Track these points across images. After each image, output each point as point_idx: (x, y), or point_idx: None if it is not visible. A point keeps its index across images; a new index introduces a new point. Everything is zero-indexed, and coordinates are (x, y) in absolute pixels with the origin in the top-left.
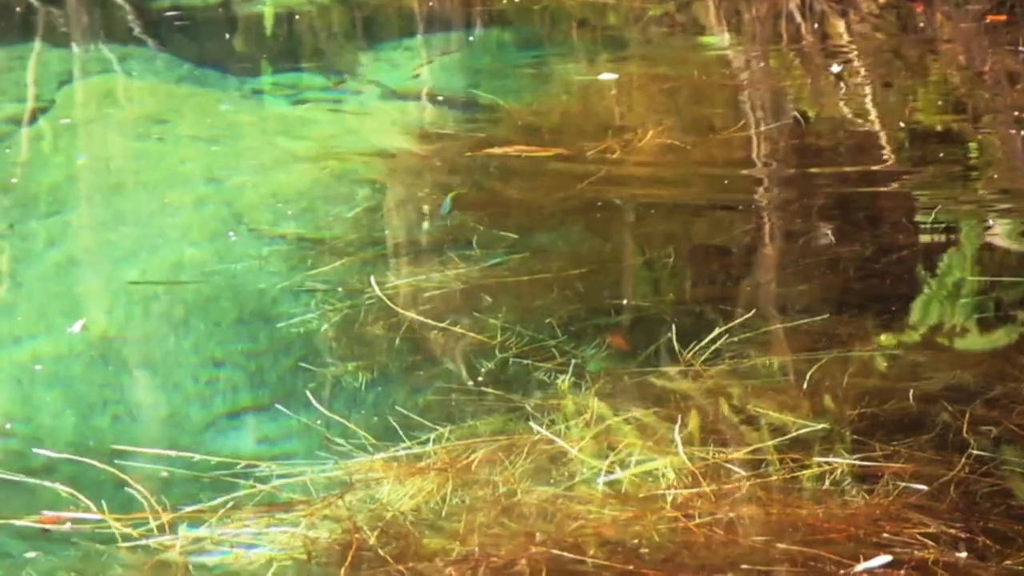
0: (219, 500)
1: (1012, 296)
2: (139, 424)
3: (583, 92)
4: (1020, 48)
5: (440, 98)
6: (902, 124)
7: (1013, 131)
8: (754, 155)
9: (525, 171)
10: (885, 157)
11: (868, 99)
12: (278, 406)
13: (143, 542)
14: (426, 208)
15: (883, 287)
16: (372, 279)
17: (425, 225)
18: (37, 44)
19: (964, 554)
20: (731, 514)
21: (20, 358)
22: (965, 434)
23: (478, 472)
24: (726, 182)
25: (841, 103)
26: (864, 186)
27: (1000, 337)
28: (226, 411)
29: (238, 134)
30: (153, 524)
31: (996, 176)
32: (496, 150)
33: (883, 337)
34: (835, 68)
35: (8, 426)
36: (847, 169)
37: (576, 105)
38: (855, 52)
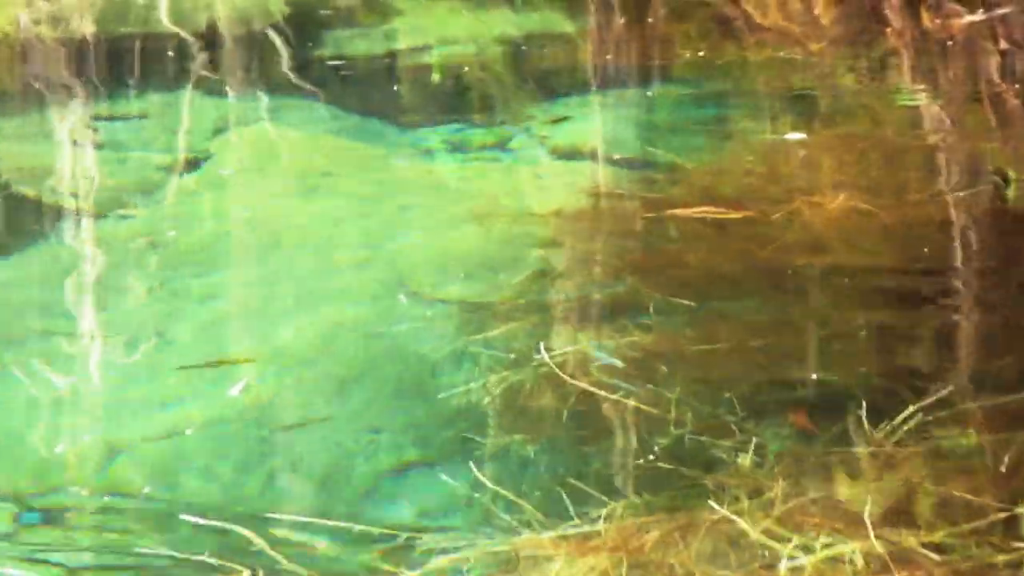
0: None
1: None
2: (294, 495)
3: (768, 152)
4: None
5: (615, 156)
6: None
7: None
8: (951, 219)
9: (705, 235)
10: None
11: None
12: (442, 475)
13: None
14: (598, 268)
15: None
16: (541, 345)
17: (597, 290)
18: (189, 90)
19: None
20: None
21: (169, 422)
22: None
23: (652, 553)
24: (925, 249)
25: None
26: None
27: None
28: (383, 481)
29: (402, 190)
30: None
31: None
32: (678, 211)
33: None
34: None
35: (147, 489)
36: None
37: (760, 166)
38: None
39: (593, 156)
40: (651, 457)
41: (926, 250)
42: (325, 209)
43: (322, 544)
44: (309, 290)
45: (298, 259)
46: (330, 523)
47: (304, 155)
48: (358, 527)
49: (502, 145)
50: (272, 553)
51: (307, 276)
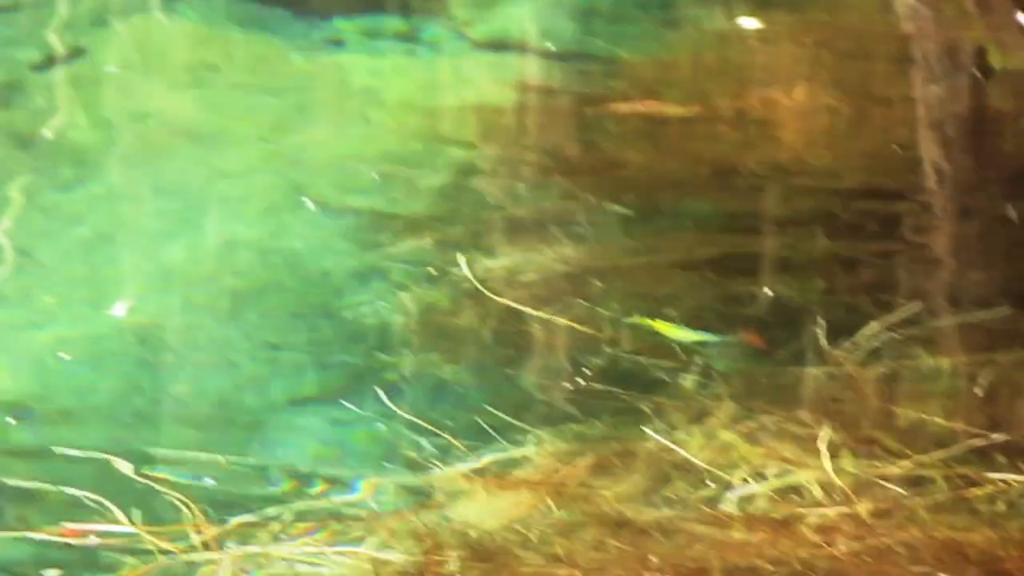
0: (274, 512)
1: None
2: (183, 422)
3: (718, 41)
4: None
5: (547, 47)
6: None
7: None
8: (925, 116)
9: (647, 133)
10: None
11: None
12: (344, 403)
13: (185, 558)
14: (526, 170)
15: None
16: (461, 259)
17: (525, 196)
18: None
19: None
20: (886, 540)
21: (42, 346)
22: None
23: (582, 486)
24: (895, 147)
25: None
26: None
27: None
28: (283, 409)
29: (304, 86)
30: (196, 539)
31: None
32: (622, 106)
33: None
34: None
35: (12, 421)
36: None
37: (710, 56)
38: None
39: (522, 47)
40: (580, 381)
41: (895, 147)
42: (218, 109)
43: (210, 481)
44: (199, 200)
45: (187, 166)
46: (220, 458)
47: (195, 49)
48: (251, 461)
49: (417, 35)
50: (161, 489)
51: (196, 184)
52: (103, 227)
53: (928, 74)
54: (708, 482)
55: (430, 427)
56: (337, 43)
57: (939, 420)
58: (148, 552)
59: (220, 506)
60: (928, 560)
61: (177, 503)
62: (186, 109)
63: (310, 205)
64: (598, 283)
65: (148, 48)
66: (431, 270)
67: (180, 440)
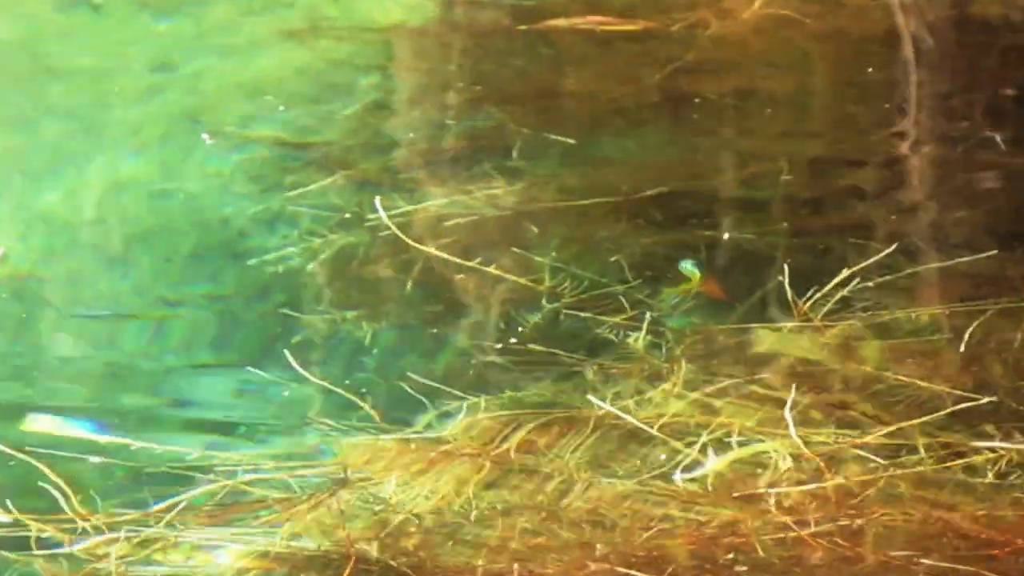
0: (171, 498)
1: None
2: (66, 392)
3: None
4: None
5: None
6: None
7: None
8: (899, 29)
9: (587, 53)
10: None
11: None
12: (249, 368)
13: (68, 549)
14: (451, 98)
15: None
16: (377, 201)
17: (450, 128)
18: None
19: None
20: (860, 520)
21: None
22: None
23: (519, 460)
24: (869, 70)
25: None
26: None
27: None
28: (180, 374)
29: (198, 4)
30: (84, 526)
31: None
32: (560, 21)
33: None
34: None
35: None
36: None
37: None
38: None
39: None
40: (513, 341)
41: (869, 69)
42: (101, 28)
43: (96, 459)
44: (82, 133)
45: (67, 93)
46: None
47: None
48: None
49: None
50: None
51: (79, 115)
52: None
53: None
54: (662, 455)
55: (347, 394)
56: None
57: (919, 382)
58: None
59: (109, 491)
60: (908, 543)
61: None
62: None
63: (208, 139)
64: (534, 228)
65: None
66: (345, 214)
67: (64, 408)
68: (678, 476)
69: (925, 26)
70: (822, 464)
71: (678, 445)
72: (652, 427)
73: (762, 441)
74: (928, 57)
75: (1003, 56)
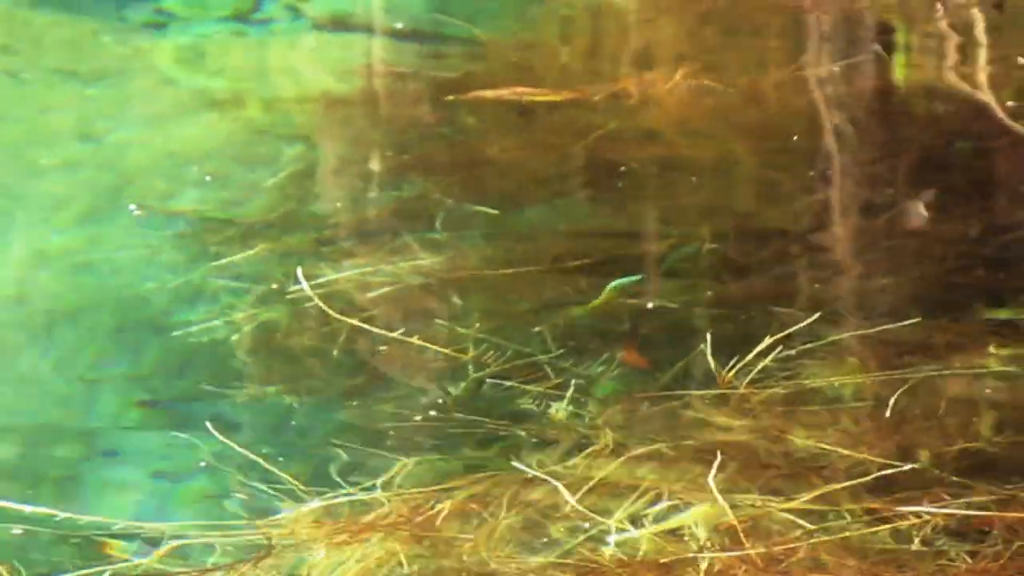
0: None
1: None
2: None
3: (588, 17)
4: None
5: (396, 26)
6: (1022, 60)
7: None
8: (820, 102)
9: (510, 123)
10: (998, 105)
11: (977, 26)
12: (176, 434)
13: None
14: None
15: (994, 279)
16: (299, 272)
17: (374, 198)
18: None
19: None
20: None
21: None
22: None
23: (444, 530)
24: (794, 137)
25: (941, 27)
26: (971, 143)
27: None
28: (105, 446)
29: (121, 74)
30: None
31: None
32: (487, 93)
33: (993, 347)
34: None
35: None
36: (946, 121)
37: (579, 35)
38: None
39: (367, 26)
40: (432, 413)
41: (795, 137)
42: (22, 101)
43: (17, 530)
44: (3, 205)
45: None
46: (26, 508)
47: None
48: (63, 513)
49: (247, 14)
50: None
51: (0, 187)
52: None
53: (825, 52)
54: (585, 525)
55: (270, 466)
56: (157, 26)
57: (840, 450)
58: None
59: (29, 562)
60: None
61: None
62: None
63: (136, 211)
64: (457, 298)
65: None
66: (269, 285)
67: None
68: (611, 540)
69: (849, 96)
70: (740, 531)
71: (598, 519)
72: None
73: (688, 506)
74: (852, 126)
75: (926, 124)
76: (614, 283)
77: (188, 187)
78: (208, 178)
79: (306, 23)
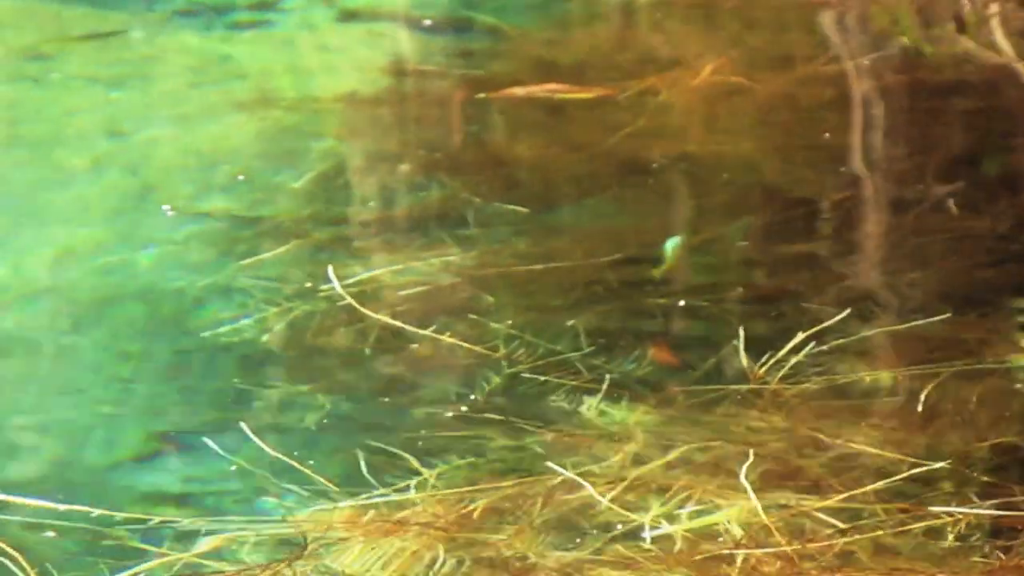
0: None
1: None
2: (17, 464)
3: (614, 13)
4: None
5: (423, 21)
6: None
7: None
8: (846, 96)
9: (537, 121)
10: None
11: (998, 18)
12: (206, 439)
13: None
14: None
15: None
16: (330, 270)
17: (403, 197)
18: None
19: None
20: None
21: None
22: None
23: (478, 528)
24: (826, 135)
25: (965, 42)
26: (1000, 138)
27: None
28: (134, 449)
29: (149, 73)
30: None
31: None
32: (518, 90)
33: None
34: None
35: None
36: (974, 114)
37: (605, 31)
38: None
39: (394, 20)
40: (463, 409)
41: (827, 135)
42: (49, 99)
43: (51, 532)
44: (30, 204)
45: (15, 164)
46: (61, 507)
47: (18, 30)
48: (97, 511)
49: (274, 7)
50: None
51: (28, 186)
52: None
53: (852, 47)
54: (618, 524)
55: (302, 466)
56: (185, 14)
57: (870, 449)
58: None
59: (61, 563)
60: None
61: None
62: (15, 101)
63: (169, 212)
64: (489, 296)
65: None
66: (300, 284)
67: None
68: (647, 535)
69: (876, 90)
70: (773, 529)
71: (633, 517)
72: (606, 496)
73: (720, 507)
74: (880, 121)
75: (955, 119)
76: (671, 243)
77: (212, 189)
78: (240, 177)
79: (332, 15)
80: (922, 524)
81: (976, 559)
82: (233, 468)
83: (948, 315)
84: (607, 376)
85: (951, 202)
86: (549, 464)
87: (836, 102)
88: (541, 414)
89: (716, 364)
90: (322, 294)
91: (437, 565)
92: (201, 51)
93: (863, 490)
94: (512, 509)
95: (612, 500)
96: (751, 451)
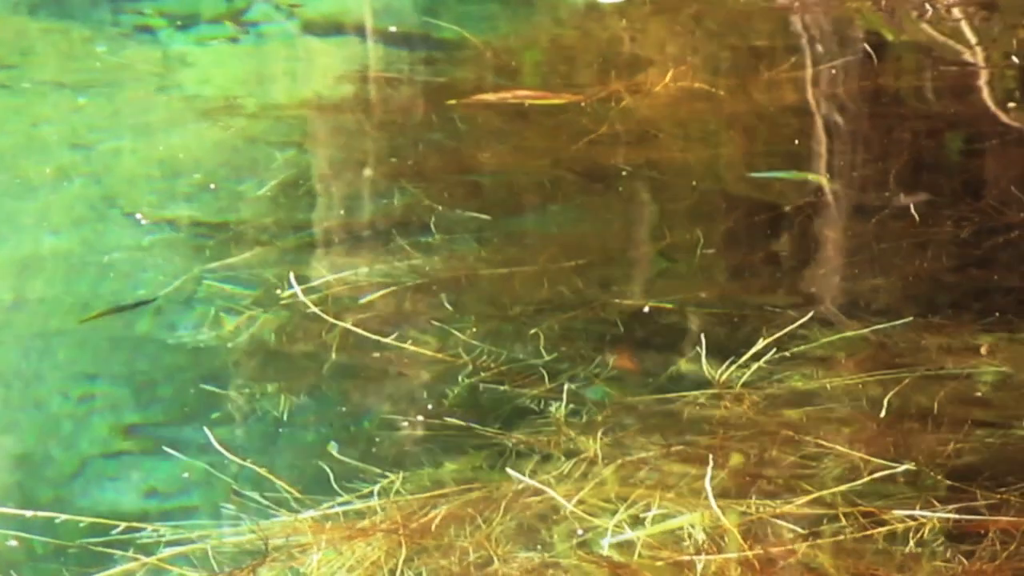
0: None
1: None
2: None
3: (578, 20)
4: None
5: (388, 29)
6: (1014, 58)
7: None
8: (810, 102)
9: (501, 128)
10: (989, 102)
11: (965, 24)
12: (167, 449)
13: None
14: (367, 174)
15: (986, 279)
16: (292, 277)
17: (367, 204)
18: None
19: None
20: None
21: None
22: None
23: (440, 535)
24: (792, 139)
25: (928, 30)
26: (962, 143)
27: None
28: (98, 454)
29: (114, 82)
30: None
31: None
32: (488, 97)
33: (986, 347)
34: None
35: None
36: (937, 119)
37: (569, 38)
38: None
39: (359, 31)
40: (420, 418)
41: (796, 141)
42: (15, 109)
43: (12, 542)
44: None
45: None
46: (28, 513)
47: None
48: (63, 516)
49: (239, 17)
50: None
51: None
52: None
53: (815, 52)
54: (580, 530)
55: (265, 472)
56: (147, 29)
57: (839, 448)
58: None
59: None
60: None
61: None
62: None
63: (142, 220)
64: (448, 304)
65: None
66: (263, 289)
67: None
68: (605, 543)
69: (836, 98)
70: (737, 534)
71: (597, 521)
72: (569, 502)
73: (682, 513)
74: (842, 127)
75: (916, 126)
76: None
77: (177, 197)
78: (212, 186)
79: (297, 25)
80: (884, 529)
81: (938, 563)
82: (186, 475)
83: (911, 318)
84: (566, 383)
85: (913, 208)
86: (510, 471)
87: (798, 108)
88: (504, 420)
89: (678, 370)
90: (284, 300)
91: (398, 572)
92: (164, 60)
93: (824, 492)
94: (473, 515)
95: (575, 506)
96: (711, 456)
